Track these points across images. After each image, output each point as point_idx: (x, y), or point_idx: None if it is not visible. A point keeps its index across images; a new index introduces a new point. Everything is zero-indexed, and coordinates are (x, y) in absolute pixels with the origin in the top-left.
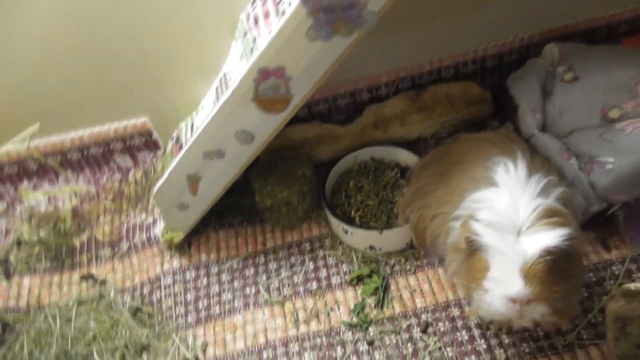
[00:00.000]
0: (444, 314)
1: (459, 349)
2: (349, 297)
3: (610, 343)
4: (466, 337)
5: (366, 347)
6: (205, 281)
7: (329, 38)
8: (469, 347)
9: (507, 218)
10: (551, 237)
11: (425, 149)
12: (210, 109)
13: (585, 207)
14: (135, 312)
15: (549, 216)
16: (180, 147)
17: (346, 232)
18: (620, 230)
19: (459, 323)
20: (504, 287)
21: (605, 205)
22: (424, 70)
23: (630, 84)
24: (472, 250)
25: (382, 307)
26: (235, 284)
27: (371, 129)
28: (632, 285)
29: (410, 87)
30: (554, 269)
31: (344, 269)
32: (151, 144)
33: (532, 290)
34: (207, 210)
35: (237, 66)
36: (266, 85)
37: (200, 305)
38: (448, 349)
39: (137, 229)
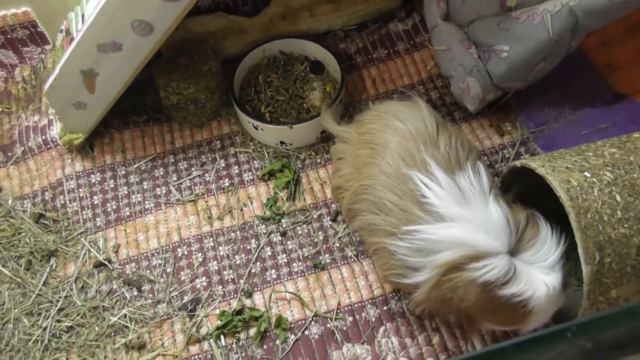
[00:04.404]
0: None
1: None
2: (262, 192)
3: None
4: None
5: (279, 237)
6: (112, 183)
7: None
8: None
9: (492, 247)
10: (555, 260)
11: (335, 42)
12: None
13: (482, 95)
14: (38, 218)
15: (518, 218)
16: (71, 40)
17: (256, 128)
18: (512, 117)
19: None
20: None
21: (500, 93)
22: None
23: None
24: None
25: (293, 199)
26: (145, 185)
27: (279, 21)
28: (517, 163)
29: None
30: None
31: (256, 165)
32: (37, 38)
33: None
34: (108, 108)
35: None
36: None
37: (109, 208)
38: (356, 233)
39: (31, 131)
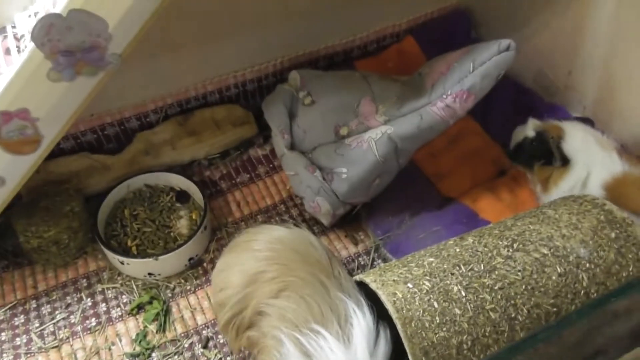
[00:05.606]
0: None
1: (238, 356)
2: (131, 327)
3: None
4: None
5: None
6: None
7: (73, 79)
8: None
9: None
10: None
11: (199, 170)
12: None
13: (333, 211)
14: None
15: None
16: None
17: (122, 263)
18: (363, 226)
19: None
20: None
21: (349, 207)
22: (190, 95)
23: (354, 104)
24: None
25: (164, 331)
26: (3, 336)
27: (142, 156)
28: (356, 277)
29: (179, 112)
30: None
31: (124, 300)
32: None
33: None
34: None
35: None
36: (10, 128)
37: None
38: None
39: None
